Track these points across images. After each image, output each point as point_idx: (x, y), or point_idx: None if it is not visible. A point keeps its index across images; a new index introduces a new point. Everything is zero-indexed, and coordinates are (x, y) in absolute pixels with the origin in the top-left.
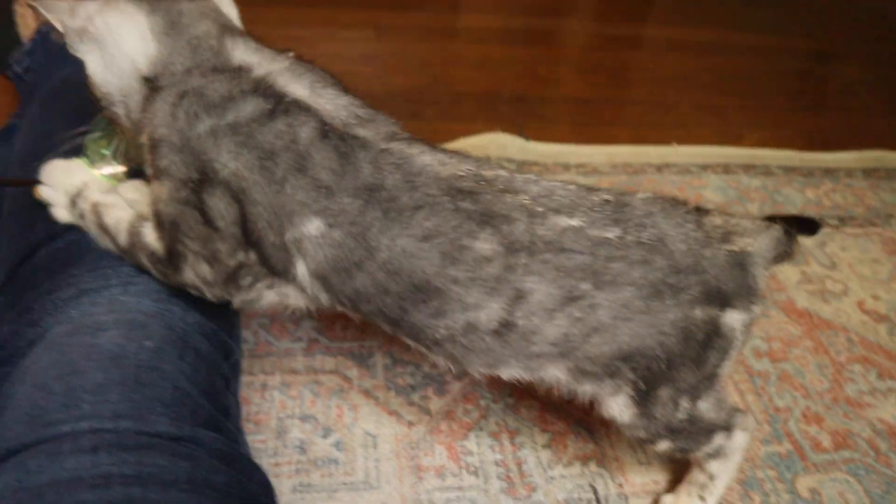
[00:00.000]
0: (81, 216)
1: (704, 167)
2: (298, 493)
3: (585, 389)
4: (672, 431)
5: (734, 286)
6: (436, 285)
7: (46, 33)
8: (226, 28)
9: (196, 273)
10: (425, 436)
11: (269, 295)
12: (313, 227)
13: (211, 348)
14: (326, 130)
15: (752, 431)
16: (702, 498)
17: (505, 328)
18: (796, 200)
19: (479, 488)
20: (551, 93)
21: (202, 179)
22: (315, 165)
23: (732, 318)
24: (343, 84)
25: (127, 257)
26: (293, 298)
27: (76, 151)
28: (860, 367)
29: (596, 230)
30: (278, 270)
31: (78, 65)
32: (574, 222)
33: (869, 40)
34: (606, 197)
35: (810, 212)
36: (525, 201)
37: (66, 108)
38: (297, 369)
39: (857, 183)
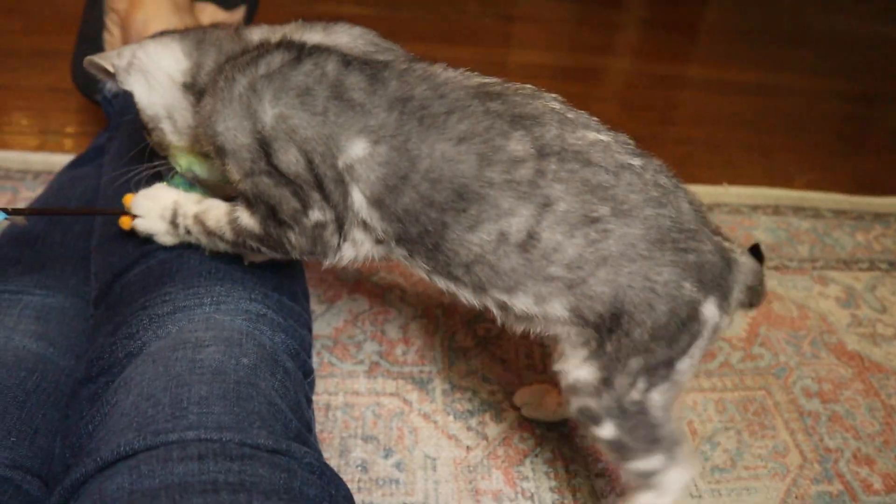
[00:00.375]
0: (187, 232)
1: (755, 208)
2: None
3: (569, 334)
4: (621, 412)
5: (719, 279)
6: (474, 189)
7: None
8: (240, 26)
9: (290, 240)
10: (483, 460)
11: (346, 248)
12: (359, 147)
13: (295, 367)
14: (348, 60)
15: (690, 477)
16: None
17: (531, 240)
18: (846, 244)
19: None
20: None
21: (259, 140)
22: (347, 89)
23: (710, 311)
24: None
25: (241, 251)
26: (361, 243)
27: (156, 178)
28: None
29: (620, 153)
30: (341, 210)
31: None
32: (603, 137)
33: None
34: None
35: (860, 256)
36: (555, 106)
37: None
38: (360, 391)
39: None
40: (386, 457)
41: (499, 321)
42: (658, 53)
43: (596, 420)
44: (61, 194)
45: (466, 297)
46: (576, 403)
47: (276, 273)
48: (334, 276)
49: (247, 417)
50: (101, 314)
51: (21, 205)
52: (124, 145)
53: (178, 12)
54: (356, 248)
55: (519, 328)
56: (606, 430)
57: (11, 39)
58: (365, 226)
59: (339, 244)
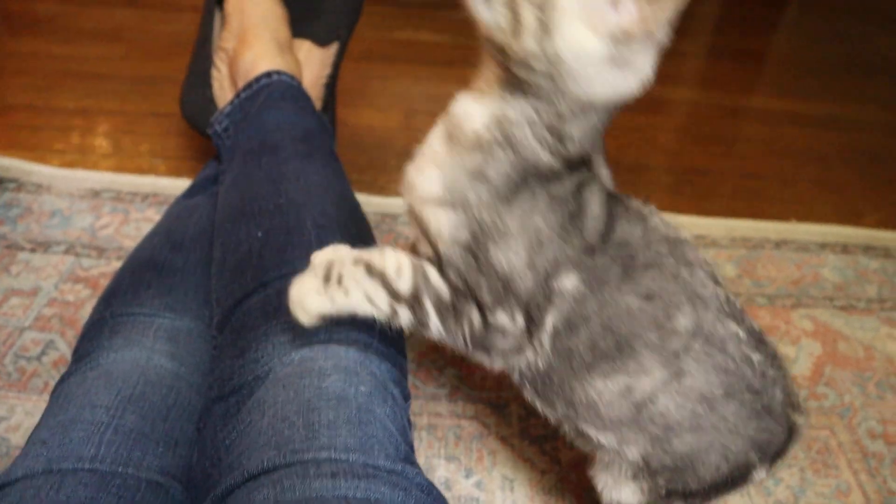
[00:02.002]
0: (338, 281)
1: (823, 245)
2: None
3: (623, 465)
4: None
5: (779, 450)
6: (634, 345)
7: (245, 98)
8: None
9: (470, 319)
10: (556, 483)
11: (510, 358)
12: (571, 281)
13: (399, 393)
14: (606, 191)
15: None
16: None
17: (649, 400)
18: None
19: None
20: (670, 162)
21: (493, 223)
22: (588, 229)
23: (760, 474)
24: None
25: (398, 306)
26: (523, 360)
27: None
28: None
29: (748, 347)
30: (529, 325)
31: (271, 130)
32: (741, 332)
33: None
34: (756, 325)
35: None
36: (720, 294)
37: (265, 168)
38: (442, 413)
39: None
40: (467, 476)
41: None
42: (726, 83)
43: None
44: (178, 224)
45: (547, 413)
46: None
47: None
48: None
49: (367, 441)
50: (225, 338)
51: (132, 226)
52: (241, 177)
53: (281, 53)
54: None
55: (578, 442)
56: None
57: (114, 66)
58: (536, 347)
59: (505, 351)
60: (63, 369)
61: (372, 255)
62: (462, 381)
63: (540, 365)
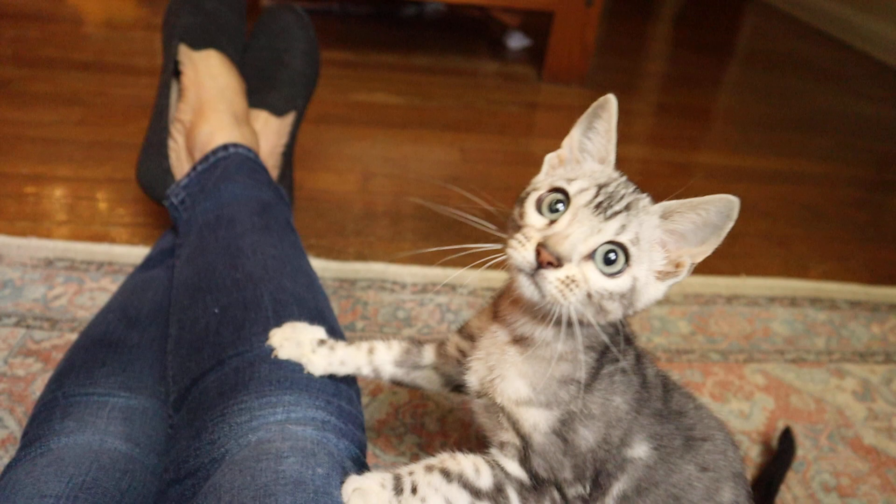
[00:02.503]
0: (413, 490)
1: (772, 299)
2: None
3: None
4: None
5: None
6: None
7: (202, 171)
8: None
9: (552, 498)
10: None
11: None
12: (643, 449)
13: (357, 472)
14: (653, 366)
15: None
16: None
17: None
18: (862, 336)
19: None
20: None
21: (584, 413)
22: (653, 396)
23: None
24: None
25: (482, 500)
26: None
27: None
28: None
29: None
30: (594, 492)
31: (228, 203)
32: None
33: None
34: None
35: (876, 348)
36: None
37: (221, 242)
38: None
39: None
40: None
41: None
42: (675, 140)
43: None
44: (134, 298)
45: None
46: None
47: (333, 379)
48: None
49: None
50: (181, 417)
51: (86, 296)
52: (197, 251)
53: (238, 125)
54: None
55: None
56: None
57: (69, 131)
58: None
59: None
60: (12, 448)
61: (444, 460)
62: (422, 448)
63: None
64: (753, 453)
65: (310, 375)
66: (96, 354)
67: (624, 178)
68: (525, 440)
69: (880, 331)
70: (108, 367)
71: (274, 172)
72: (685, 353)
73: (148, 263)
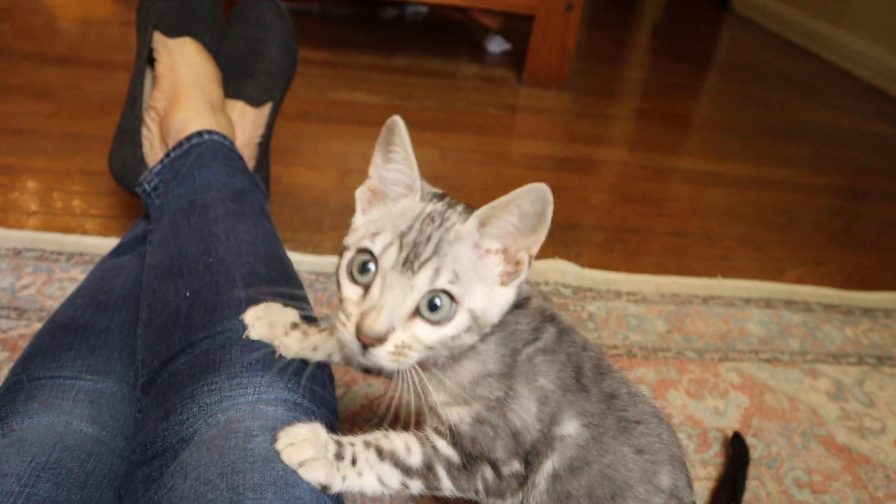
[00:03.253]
0: (353, 461)
1: (748, 301)
2: None
3: None
4: None
5: None
6: (624, 496)
7: (175, 157)
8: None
9: (484, 477)
10: None
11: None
12: (573, 426)
13: None
14: (585, 344)
15: None
16: None
17: None
18: (835, 338)
19: None
20: (601, 220)
21: (510, 396)
22: (583, 373)
23: None
24: None
25: (412, 480)
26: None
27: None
28: None
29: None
30: (527, 471)
31: (201, 189)
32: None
33: None
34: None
35: (849, 350)
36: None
37: (194, 227)
38: None
39: (895, 323)
40: None
41: None
42: (653, 145)
43: None
44: (103, 284)
45: None
46: None
47: (307, 363)
48: None
49: (295, 503)
50: (149, 400)
51: (55, 286)
52: (170, 237)
53: (213, 113)
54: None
55: None
56: None
57: (42, 123)
58: (530, 490)
59: (510, 493)
60: None
61: (379, 438)
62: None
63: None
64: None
65: (282, 359)
66: (63, 338)
67: (429, 210)
68: (453, 430)
69: (853, 333)
70: (76, 350)
71: (250, 164)
72: (661, 351)
73: (119, 250)
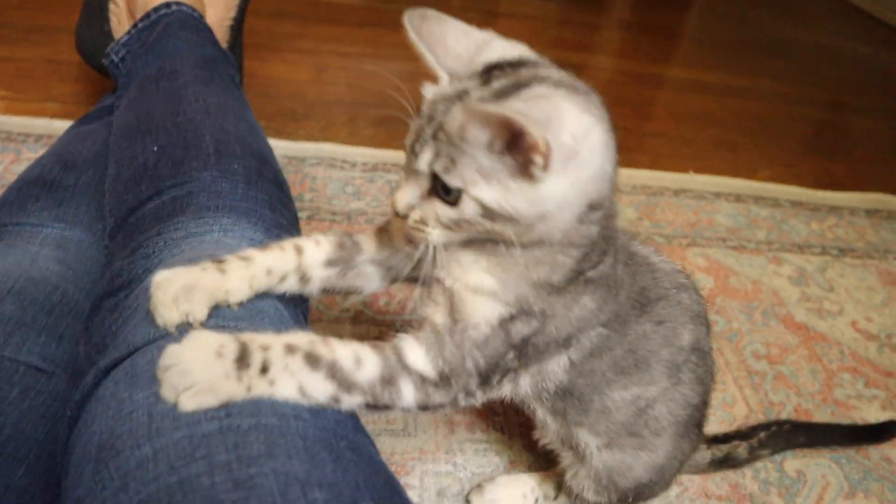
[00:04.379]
0: (262, 370)
1: (718, 195)
2: None
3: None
4: None
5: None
6: (649, 362)
7: (143, 28)
8: None
9: (465, 386)
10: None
11: (506, 387)
12: (595, 332)
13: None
14: (626, 257)
15: None
16: None
17: (649, 406)
18: (801, 231)
19: (503, 443)
20: None
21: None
22: (620, 288)
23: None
24: None
25: (354, 393)
26: (523, 385)
27: None
28: (849, 376)
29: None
30: (538, 361)
31: (170, 56)
32: (707, 348)
33: (881, 95)
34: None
35: (813, 242)
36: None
37: (163, 91)
38: (345, 336)
39: (860, 221)
40: None
41: (542, 429)
42: (637, 54)
43: None
44: (70, 148)
45: (549, 422)
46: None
47: (273, 211)
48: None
49: (258, 315)
50: (117, 243)
51: (23, 165)
52: (137, 100)
53: None
54: (514, 387)
55: (548, 438)
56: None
57: (8, 14)
58: (540, 377)
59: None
60: None
61: (314, 343)
62: (367, 306)
63: (563, 381)
64: None
65: (250, 205)
66: (30, 191)
67: (442, 93)
68: (453, 324)
69: (819, 228)
70: (42, 202)
71: (222, 45)
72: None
73: (86, 119)
